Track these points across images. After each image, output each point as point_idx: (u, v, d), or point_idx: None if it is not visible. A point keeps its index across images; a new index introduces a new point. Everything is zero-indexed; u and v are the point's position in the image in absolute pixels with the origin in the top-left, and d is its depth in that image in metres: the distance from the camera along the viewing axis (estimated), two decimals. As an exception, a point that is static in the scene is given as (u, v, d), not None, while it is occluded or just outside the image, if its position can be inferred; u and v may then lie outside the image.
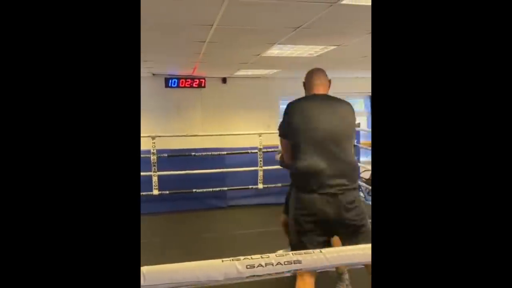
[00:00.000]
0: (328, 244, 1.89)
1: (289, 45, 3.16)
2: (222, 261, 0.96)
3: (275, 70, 4.77)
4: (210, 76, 5.25)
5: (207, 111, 5.47)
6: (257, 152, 4.70)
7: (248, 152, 4.79)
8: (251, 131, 4.96)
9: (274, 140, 5.45)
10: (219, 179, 4.90)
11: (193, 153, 4.69)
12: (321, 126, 1.85)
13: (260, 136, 4.67)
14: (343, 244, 1.83)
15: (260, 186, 4.70)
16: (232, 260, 0.96)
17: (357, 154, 5.22)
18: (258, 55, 3.52)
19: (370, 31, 2.66)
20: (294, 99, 2.06)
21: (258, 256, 0.98)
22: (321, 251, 1.01)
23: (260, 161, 4.68)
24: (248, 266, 0.95)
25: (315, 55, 3.61)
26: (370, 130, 6.55)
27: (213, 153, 4.84)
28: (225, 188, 4.85)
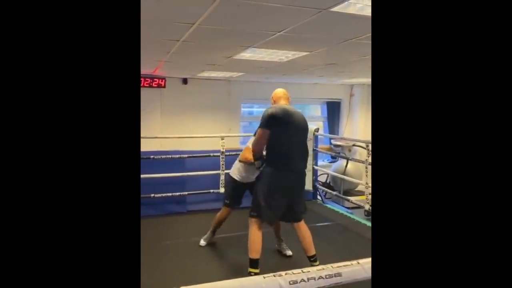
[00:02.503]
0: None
1: (263, 49, 3.14)
2: (264, 277, 0.90)
3: (240, 73, 4.73)
4: (170, 76, 5.06)
5: (167, 112, 5.25)
6: (219, 156, 4.61)
7: (210, 155, 4.67)
8: (212, 133, 4.85)
9: (235, 143, 5.40)
10: (179, 183, 4.72)
11: (152, 156, 4.47)
12: (294, 123, 2.65)
13: (222, 139, 4.59)
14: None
15: (222, 190, 4.58)
16: (274, 276, 0.90)
17: (315, 158, 5.34)
18: (229, 57, 3.45)
19: (347, 39, 2.73)
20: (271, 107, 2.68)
21: (299, 270, 0.94)
22: (358, 262, 0.99)
23: (223, 164, 4.58)
24: (291, 282, 0.90)
25: (284, 60, 3.63)
26: (327, 135, 6.75)
27: (173, 156, 4.65)
28: (185, 193, 4.69)
